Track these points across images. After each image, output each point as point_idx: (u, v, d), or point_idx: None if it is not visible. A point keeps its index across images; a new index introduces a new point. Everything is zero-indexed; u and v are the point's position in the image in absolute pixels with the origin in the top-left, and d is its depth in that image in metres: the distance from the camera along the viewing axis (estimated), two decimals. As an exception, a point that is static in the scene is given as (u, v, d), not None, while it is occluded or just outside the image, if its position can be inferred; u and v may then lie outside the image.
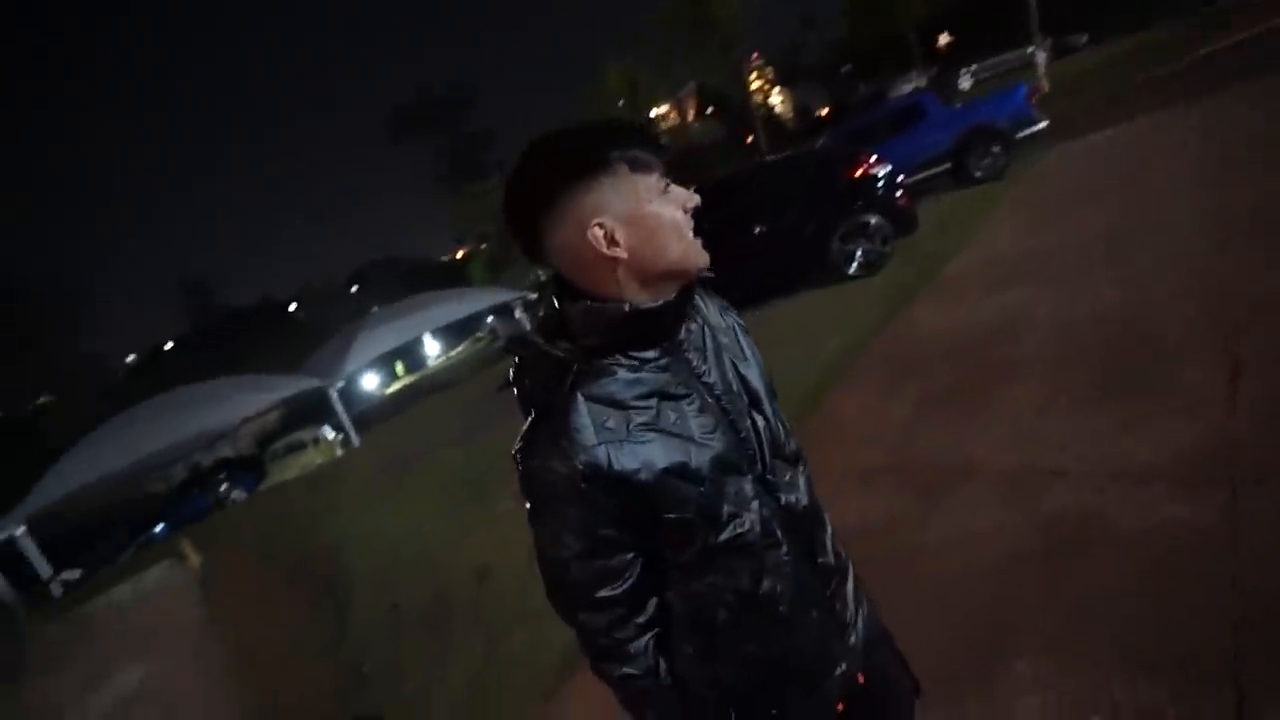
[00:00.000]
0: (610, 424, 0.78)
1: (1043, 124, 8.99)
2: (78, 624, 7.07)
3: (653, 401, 0.80)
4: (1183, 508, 2.05)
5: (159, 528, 13.52)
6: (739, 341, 0.95)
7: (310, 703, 3.33)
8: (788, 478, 0.91)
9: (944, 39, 29.57)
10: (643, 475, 0.78)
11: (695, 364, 0.86)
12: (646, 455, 0.78)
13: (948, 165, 9.06)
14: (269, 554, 6.54)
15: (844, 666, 0.95)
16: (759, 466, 0.87)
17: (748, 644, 0.89)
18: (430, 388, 17.84)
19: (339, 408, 13.44)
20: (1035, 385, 3.15)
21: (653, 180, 0.80)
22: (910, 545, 2.42)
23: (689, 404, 0.83)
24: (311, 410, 14.35)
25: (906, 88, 19.53)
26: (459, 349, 28.43)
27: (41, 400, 28.15)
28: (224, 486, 14.03)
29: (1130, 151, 6.90)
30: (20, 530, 10.36)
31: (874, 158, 6.60)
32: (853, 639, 0.98)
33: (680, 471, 0.80)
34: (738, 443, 0.86)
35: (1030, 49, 15.03)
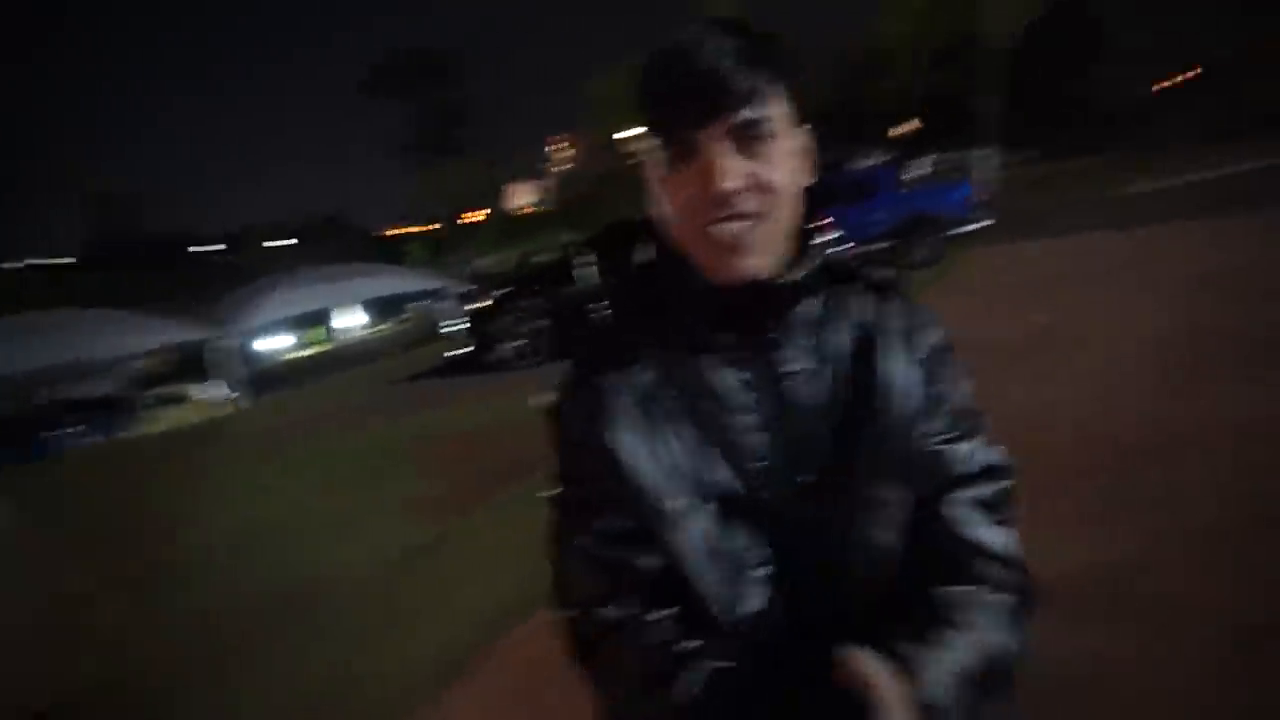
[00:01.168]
0: (631, 377, 0.64)
1: (984, 223, 9.44)
2: None
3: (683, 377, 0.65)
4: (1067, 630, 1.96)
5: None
6: (886, 378, 0.64)
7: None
8: (817, 576, 0.61)
9: (909, 126, 31.14)
10: (604, 438, 0.62)
11: (777, 367, 0.64)
12: (620, 425, 0.62)
13: (887, 244, 9.32)
14: (89, 519, 5.81)
15: None
16: (779, 533, 0.62)
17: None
18: (343, 361, 16.86)
19: (234, 363, 12.46)
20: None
21: (654, 144, 0.61)
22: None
23: (730, 412, 0.63)
24: (201, 360, 13.20)
25: (865, 162, 20.23)
26: (381, 326, 27.11)
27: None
28: (79, 427, 12.57)
29: (1059, 264, 7.28)
30: None
31: (828, 220, 6.65)
32: None
33: (642, 463, 0.61)
34: (763, 484, 0.61)
35: (986, 151, 16.25)
